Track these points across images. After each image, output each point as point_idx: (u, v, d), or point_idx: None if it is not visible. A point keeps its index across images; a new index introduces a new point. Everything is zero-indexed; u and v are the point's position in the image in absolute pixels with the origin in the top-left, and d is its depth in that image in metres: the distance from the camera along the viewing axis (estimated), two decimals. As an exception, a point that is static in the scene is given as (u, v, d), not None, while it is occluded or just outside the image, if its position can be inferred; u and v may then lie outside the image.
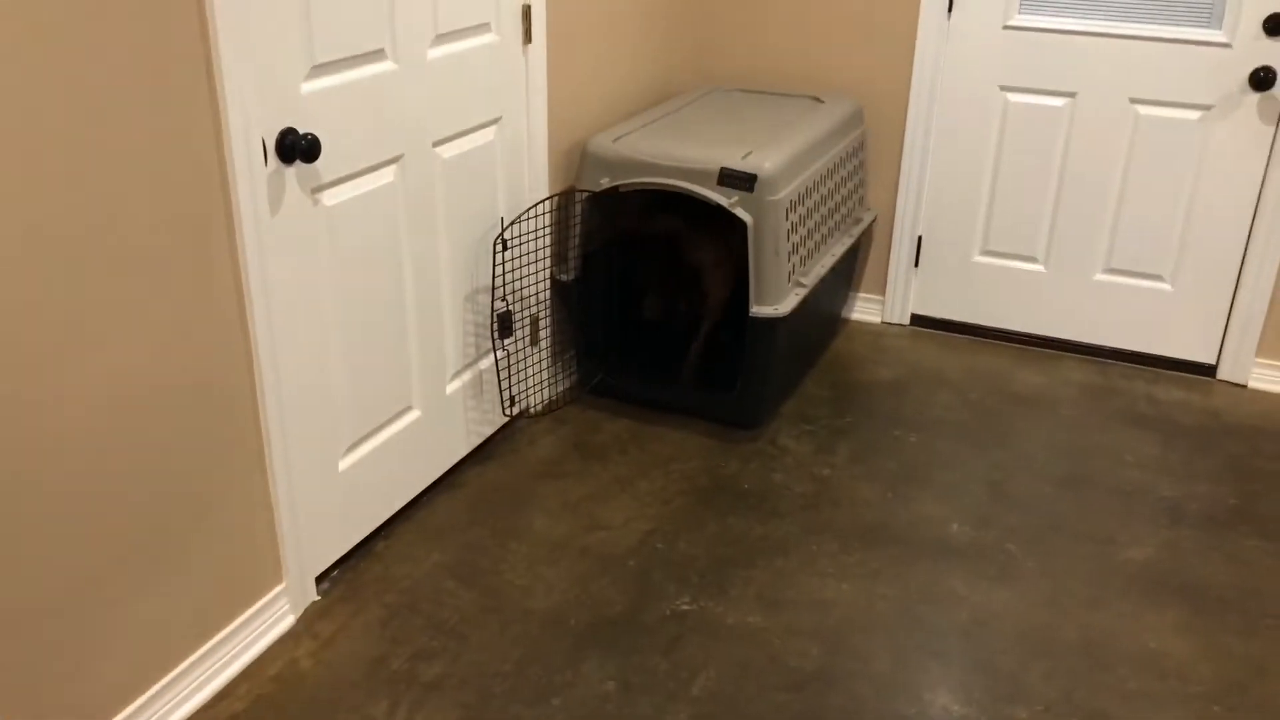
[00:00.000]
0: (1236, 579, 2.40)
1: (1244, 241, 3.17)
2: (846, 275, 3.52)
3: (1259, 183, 3.10)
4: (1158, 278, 3.31)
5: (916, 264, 3.60)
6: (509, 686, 2.07)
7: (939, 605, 2.31)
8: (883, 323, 3.70)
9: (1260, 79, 2.98)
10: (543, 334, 2.97)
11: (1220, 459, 2.88)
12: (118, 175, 1.67)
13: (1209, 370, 3.34)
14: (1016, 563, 2.45)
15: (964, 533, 2.55)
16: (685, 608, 2.30)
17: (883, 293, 3.67)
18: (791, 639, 2.21)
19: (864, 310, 3.72)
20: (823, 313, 3.35)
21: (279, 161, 1.98)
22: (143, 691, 1.90)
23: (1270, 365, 3.24)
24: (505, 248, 2.67)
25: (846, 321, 3.71)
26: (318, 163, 2.06)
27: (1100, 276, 3.38)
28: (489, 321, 2.74)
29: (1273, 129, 3.04)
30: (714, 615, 2.27)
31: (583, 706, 2.02)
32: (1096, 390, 3.24)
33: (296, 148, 1.97)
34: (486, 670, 2.11)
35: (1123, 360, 3.43)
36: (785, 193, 2.76)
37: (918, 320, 3.67)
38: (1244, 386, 3.28)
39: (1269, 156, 3.06)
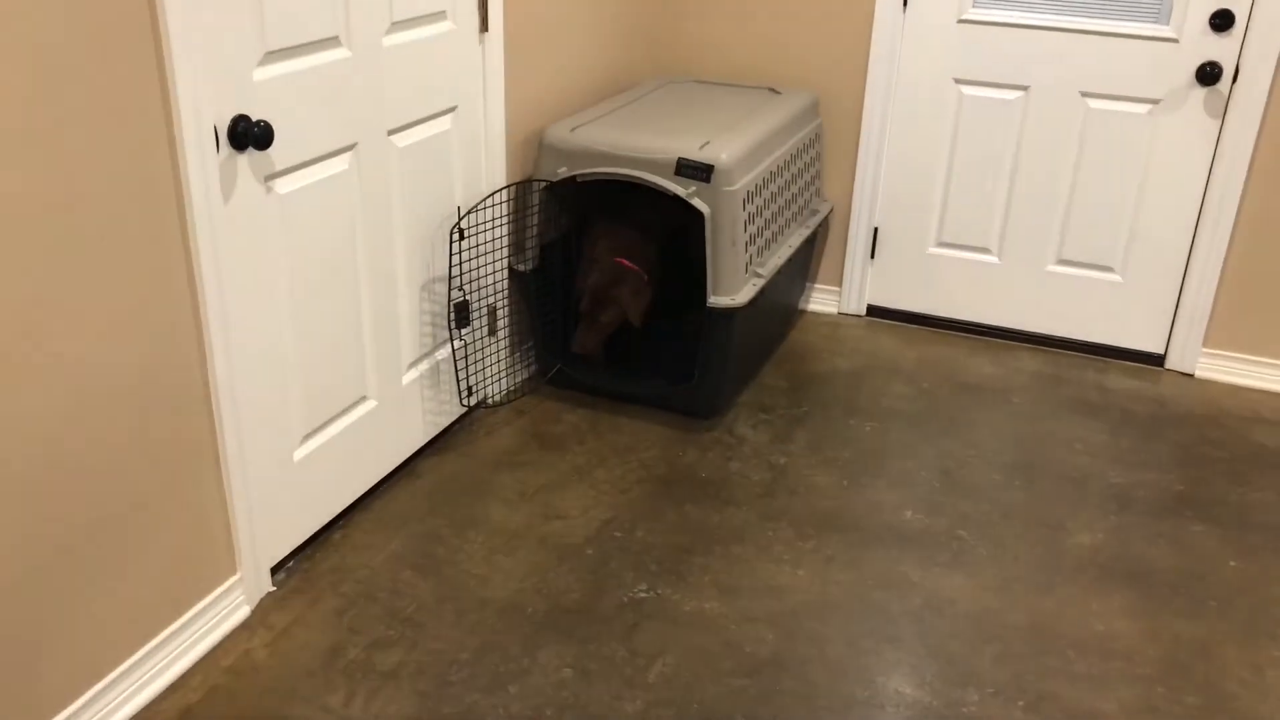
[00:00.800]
0: (1182, 563, 2.46)
1: (1191, 233, 3.23)
2: (804, 266, 3.55)
3: (1205, 176, 3.16)
4: (1108, 269, 3.37)
5: (873, 255, 3.64)
6: (466, 675, 2.07)
7: (892, 591, 2.34)
8: (839, 314, 3.73)
9: (1206, 74, 3.04)
10: (500, 324, 2.96)
11: (1167, 446, 2.94)
12: (63, 162, 1.65)
13: (1158, 360, 3.40)
14: (968, 549, 2.49)
15: (917, 520, 2.59)
16: (642, 595, 2.31)
17: (839, 284, 3.70)
18: (747, 625, 2.23)
19: (821, 301, 3.75)
20: (780, 304, 3.37)
21: (231, 149, 1.96)
22: (94, 684, 1.88)
23: (1216, 355, 3.31)
24: (462, 237, 2.67)
25: (804, 313, 3.74)
26: (271, 150, 2.04)
27: (1052, 268, 3.43)
28: (446, 311, 2.74)
29: (1218, 123, 3.10)
30: (671, 602, 2.29)
31: (540, 694, 2.03)
32: (1047, 379, 3.30)
33: (249, 135, 1.96)
34: (444, 659, 2.11)
35: (1073, 350, 3.49)
36: (742, 183, 2.77)
37: (874, 311, 3.71)
38: (1191, 376, 3.35)
39: (1214, 150, 3.12)
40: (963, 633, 2.22)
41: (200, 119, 1.86)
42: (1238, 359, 3.29)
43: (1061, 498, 2.69)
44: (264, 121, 1.97)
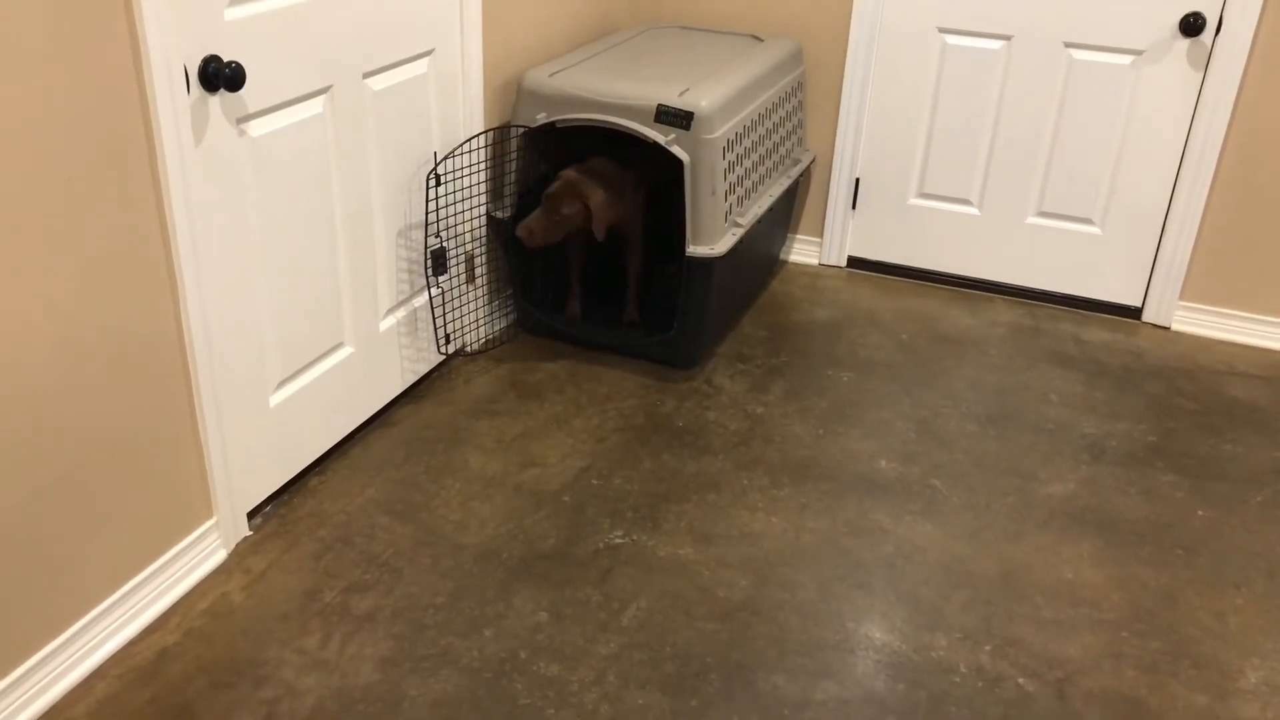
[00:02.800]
0: (1151, 513, 2.49)
1: (1170, 187, 3.23)
2: (784, 217, 3.54)
3: (1186, 128, 3.16)
4: (1087, 221, 3.37)
5: (854, 206, 3.63)
6: (441, 618, 2.09)
7: (865, 538, 2.37)
8: (820, 265, 3.73)
9: (1190, 24, 3.02)
10: (478, 272, 2.95)
11: (1141, 398, 2.96)
12: (27, 105, 1.62)
13: (1135, 313, 3.42)
14: (941, 498, 2.51)
15: (891, 469, 2.61)
16: (618, 541, 2.33)
17: (820, 235, 3.70)
18: (721, 570, 2.25)
19: (802, 252, 3.75)
20: (760, 254, 3.37)
21: (202, 90, 1.93)
22: (71, 625, 1.89)
23: (1193, 308, 3.33)
24: (439, 183, 2.65)
25: (784, 263, 3.74)
26: (242, 92, 2.01)
27: (1032, 220, 3.43)
28: (423, 258, 2.72)
29: (1200, 74, 3.09)
30: (646, 548, 2.31)
31: (514, 637, 2.06)
32: (1025, 331, 3.31)
33: (220, 76, 1.93)
34: (419, 603, 2.13)
35: (1052, 302, 3.50)
36: (722, 131, 2.75)
37: (855, 262, 3.71)
38: (1167, 329, 3.37)
39: (1196, 101, 3.12)
40: (933, 579, 2.25)
41: (170, 59, 1.83)
42: (1214, 312, 3.31)
43: (1035, 448, 2.72)
44: (235, 62, 1.94)
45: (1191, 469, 2.66)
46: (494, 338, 3.11)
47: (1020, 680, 2.00)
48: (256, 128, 2.09)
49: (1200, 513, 2.50)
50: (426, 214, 2.64)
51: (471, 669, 1.98)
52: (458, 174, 2.75)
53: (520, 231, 2.78)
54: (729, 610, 2.15)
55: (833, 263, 3.71)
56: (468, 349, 3.02)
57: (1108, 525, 2.44)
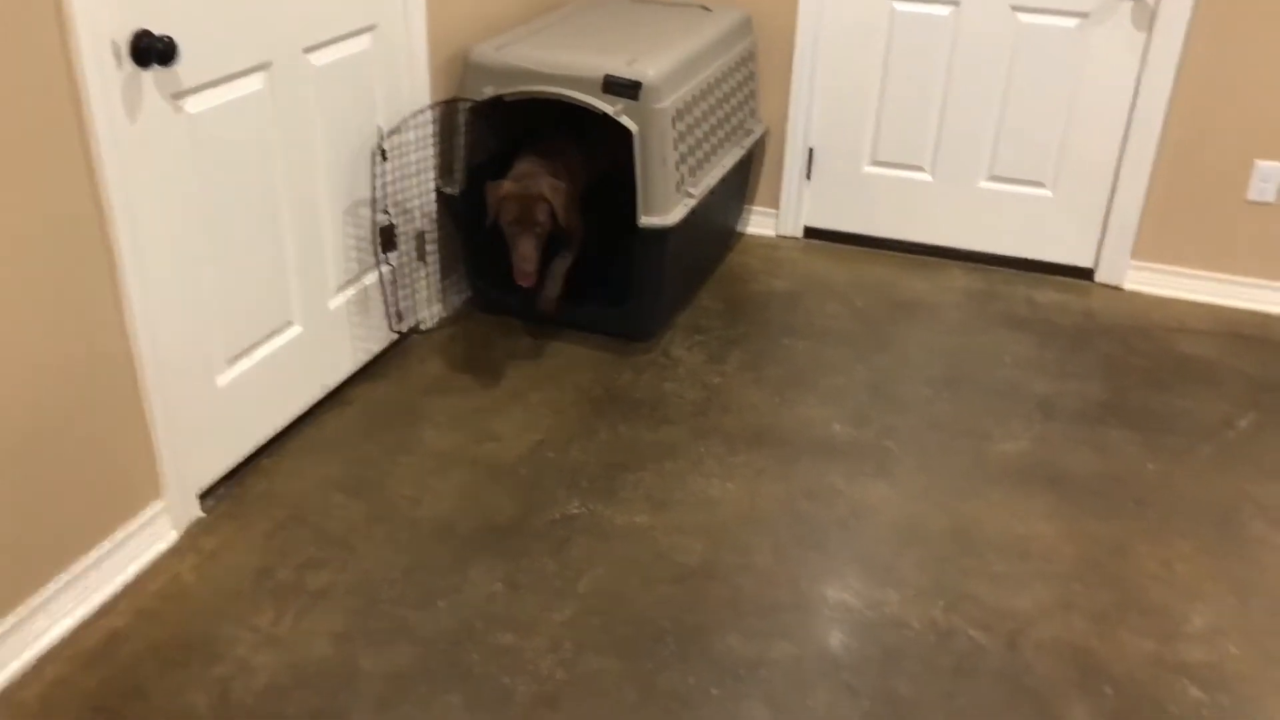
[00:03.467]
0: (1102, 467, 2.52)
1: (1119, 147, 3.26)
2: (740, 188, 3.54)
3: (1133, 89, 3.18)
4: (1039, 184, 3.39)
5: (809, 176, 3.63)
6: (396, 592, 2.09)
7: (819, 501, 2.38)
8: (777, 236, 3.74)
9: (1133, -15, 3.04)
10: (429, 249, 2.93)
11: (1093, 357, 2.99)
12: (-48, 75, 1.60)
13: (1087, 274, 3.45)
14: (894, 459, 2.53)
15: (845, 432, 2.62)
16: (575, 511, 2.33)
17: (777, 206, 3.70)
18: (677, 536, 2.26)
19: (759, 224, 3.75)
20: (716, 225, 3.37)
21: (134, 65, 1.90)
22: (14, 608, 1.87)
23: (1144, 267, 3.37)
24: (385, 159, 2.63)
25: (742, 235, 3.74)
26: (176, 66, 1.99)
27: (984, 184, 3.45)
28: (371, 235, 2.70)
29: (1145, 35, 3.11)
30: (603, 517, 2.31)
31: (470, 607, 2.05)
32: (979, 295, 3.34)
33: (152, 50, 1.90)
34: (374, 577, 2.12)
35: (1006, 266, 3.53)
36: (671, 100, 2.75)
37: (811, 233, 3.72)
38: (1120, 289, 3.40)
39: (1142, 62, 3.14)
40: (886, 538, 2.27)
41: (98, 34, 1.80)
42: (1165, 271, 3.35)
43: (987, 408, 2.74)
44: (167, 36, 1.92)
45: (1142, 424, 2.69)
46: (449, 315, 3.10)
47: (972, 633, 2.02)
48: (193, 104, 2.06)
49: (1150, 466, 2.53)
50: (373, 190, 2.63)
51: (426, 641, 1.98)
52: (405, 149, 2.73)
53: (523, 279, 2.67)
54: (685, 575, 2.15)
55: (790, 234, 3.72)
56: (422, 327, 3.00)
57: (1059, 481, 2.46)
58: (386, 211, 2.70)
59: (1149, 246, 3.34)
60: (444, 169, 2.91)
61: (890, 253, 3.62)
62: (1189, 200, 3.24)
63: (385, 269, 2.76)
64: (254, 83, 2.22)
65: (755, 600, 2.09)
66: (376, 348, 2.83)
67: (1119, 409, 2.75)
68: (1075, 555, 2.23)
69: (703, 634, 2.00)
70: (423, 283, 2.94)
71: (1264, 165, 3.13)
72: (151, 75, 1.95)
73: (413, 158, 2.77)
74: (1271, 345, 3.07)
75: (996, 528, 2.31)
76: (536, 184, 2.66)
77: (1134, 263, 3.37)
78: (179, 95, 2.02)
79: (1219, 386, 2.86)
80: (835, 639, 2.00)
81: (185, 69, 2.02)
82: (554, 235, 2.76)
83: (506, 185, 2.67)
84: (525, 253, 2.64)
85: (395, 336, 2.90)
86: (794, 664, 1.94)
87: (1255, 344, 3.08)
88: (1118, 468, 2.52)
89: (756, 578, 2.15)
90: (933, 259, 3.58)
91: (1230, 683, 1.93)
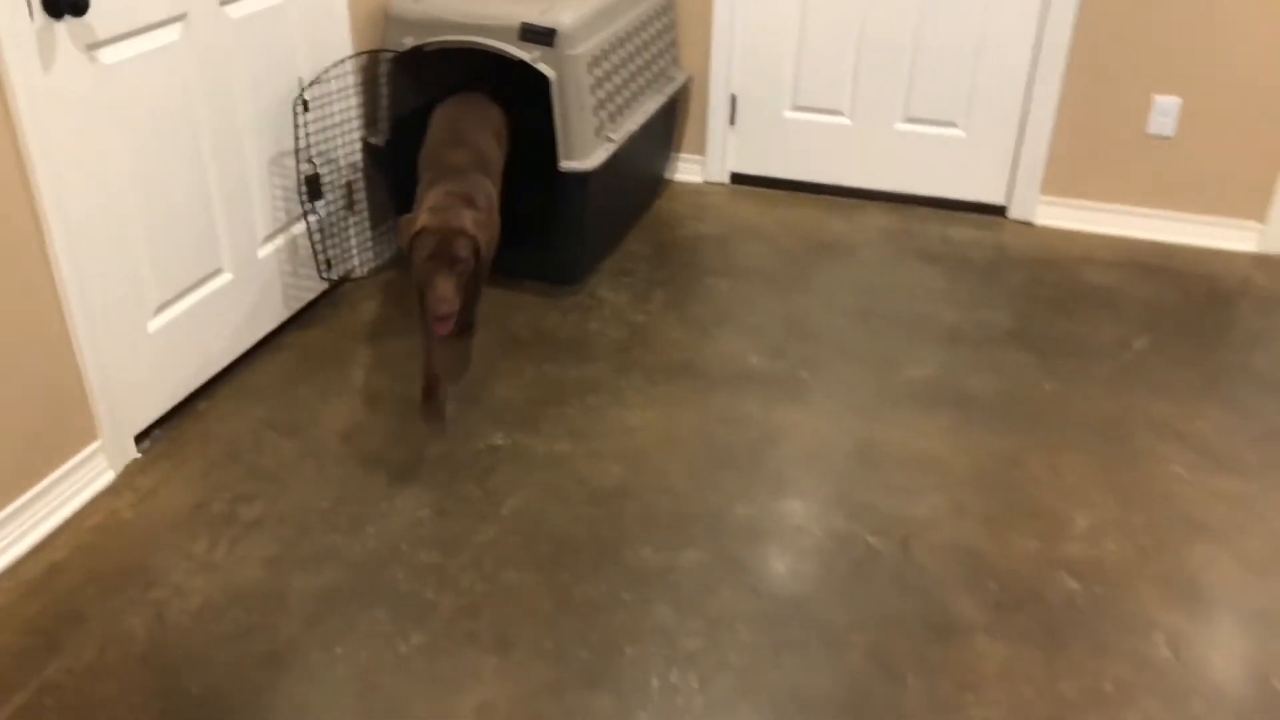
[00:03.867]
0: (1001, 388, 2.66)
1: (1026, 85, 3.38)
2: (665, 135, 3.63)
3: (1037, 28, 3.30)
4: (951, 125, 3.52)
5: (733, 123, 3.73)
6: (326, 521, 2.19)
7: (733, 426, 2.50)
8: (704, 182, 3.84)
9: (1033, -72, 3.15)
10: (358, 199, 3.01)
11: (1001, 288, 3.13)
12: None
13: (1000, 211, 3.59)
14: (807, 387, 2.66)
15: (762, 364, 2.75)
16: (499, 443, 2.44)
17: (703, 153, 3.80)
18: (596, 462, 2.37)
19: (686, 171, 3.85)
20: (641, 171, 3.46)
21: (46, 16, 1.96)
22: (-44, 544, 1.95)
23: (1054, 203, 3.50)
24: (306, 109, 2.69)
25: (670, 182, 3.84)
26: (89, 17, 2.05)
27: (900, 126, 3.57)
28: (297, 185, 2.78)
29: (1047, -23, 3.22)
30: (526, 447, 2.42)
31: (396, 532, 2.16)
32: (896, 234, 3.46)
33: (63, 1, 1.96)
34: (304, 508, 2.22)
35: (923, 205, 3.65)
36: (586, 47, 2.83)
37: (738, 179, 3.82)
38: (1031, 224, 3.54)
39: (1044, 1, 3.25)
40: (795, 458, 2.40)
41: (9, -15, 1.86)
42: (1074, 205, 3.49)
43: (898, 338, 2.87)
44: (79, -12, 1.98)
45: (1042, 348, 2.83)
46: (381, 264, 3.18)
47: (869, 538, 2.16)
48: (108, 54, 2.12)
49: (1047, 386, 2.67)
50: (296, 140, 2.70)
51: (354, 563, 2.08)
52: (328, 100, 2.80)
53: (440, 327, 2.28)
54: (602, 496, 2.27)
55: (716, 180, 3.82)
56: (354, 275, 3.08)
57: (961, 402, 2.60)
58: (311, 161, 2.77)
59: (1058, 182, 3.47)
60: (369, 120, 2.98)
61: (813, 196, 3.74)
62: (1094, 136, 3.38)
63: (312, 218, 2.83)
64: (170, 34, 2.27)
65: (668, 516, 2.22)
66: (309, 295, 2.91)
67: (1023, 335, 2.89)
68: (970, 467, 2.38)
69: (617, 547, 2.13)
70: (352, 232, 3.02)
71: (1162, 100, 3.27)
72: (65, 26, 2.01)
73: (336, 108, 2.83)
74: (1171, 273, 3.23)
75: (898, 445, 2.44)
76: (458, 217, 2.31)
77: (1044, 198, 3.50)
78: (94, 46, 2.08)
79: (1118, 312, 3.01)
80: (740, 547, 2.13)
81: (98, 20, 2.08)
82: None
83: (423, 218, 2.31)
84: (444, 293, 2.24)
85: (327, 284, 2.98)
86: (701, 570, 2.07)
87: (1156, 272, 3.23)
88: (1017, 388, 2.66)
89: (670, 496, 2.27)
90: (854, 201, 3.70)
91: (1107, 574, 2.08)
